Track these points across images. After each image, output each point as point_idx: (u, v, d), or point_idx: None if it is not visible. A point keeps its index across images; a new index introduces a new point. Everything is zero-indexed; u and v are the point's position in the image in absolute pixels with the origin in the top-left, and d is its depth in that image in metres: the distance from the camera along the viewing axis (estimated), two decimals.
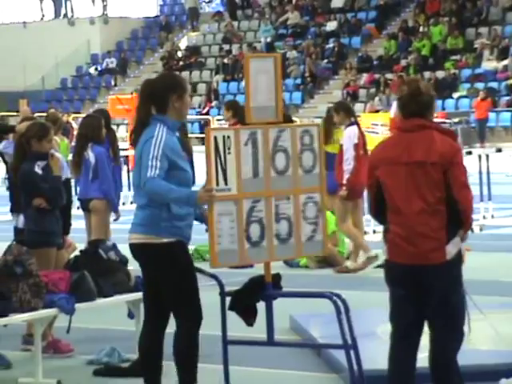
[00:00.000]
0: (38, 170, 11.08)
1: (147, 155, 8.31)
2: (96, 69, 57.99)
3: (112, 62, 57.27)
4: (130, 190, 21.20)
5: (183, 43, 57.97)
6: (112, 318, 8.83)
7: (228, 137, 8.67)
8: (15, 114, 36.53)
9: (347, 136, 15.70)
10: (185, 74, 54.53)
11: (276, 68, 8.93)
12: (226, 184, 8.63)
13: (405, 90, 8.29)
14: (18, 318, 10.03)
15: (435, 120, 26.41)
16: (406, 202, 8.05)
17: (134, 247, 8.62)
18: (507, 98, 43.62)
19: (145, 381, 8.86)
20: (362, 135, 15.86)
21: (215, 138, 8.60)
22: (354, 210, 15.99)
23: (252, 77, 8.86)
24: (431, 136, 8.09)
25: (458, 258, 8.06)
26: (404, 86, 8.39)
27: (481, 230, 18.73)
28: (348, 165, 15.46)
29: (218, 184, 8.57)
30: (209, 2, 61.39)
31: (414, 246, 8.01)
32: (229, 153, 8.63)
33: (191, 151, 15.07)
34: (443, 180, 7.98)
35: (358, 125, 16.11)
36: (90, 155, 13.13)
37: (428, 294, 8.04)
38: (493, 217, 20.42)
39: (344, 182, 15.53)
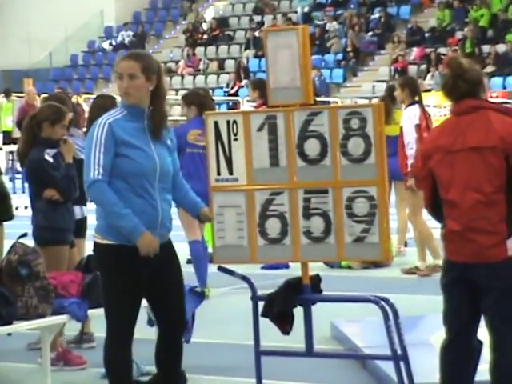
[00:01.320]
0: (48, 157, 11.08)
1: None
2: (110, 43, 58.21)
3: (128, 36, 57.42)
4: None
5: (209, 14, 58.14)
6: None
7: (234, 121, 8.69)
8: (20, 94, 36.53)
9: (407, 117, 15.58)
10: (211, 48, 54.83)
11: (301, 42, 8.70)
12: (232, 174, 8.70)
13: (449, 71, 8.29)
14: (23, 326, 10.00)
15: (492, 99, 26.26)
16: (461, 194, 8.05)
17: None
18: None
19: None
20: (425, 116, 15.75)
21: (215, 123, 8.71)
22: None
23: (272, 54, 8.80)
24: (488, 117, 8.08)
25: None
26: (446, 68, 8.38)
27: None
28: (410, 149, 15.35)
29: (219, 174, 8.70)
30: None
31: (471, 242, 8.01)
32: (235, 139, 8.66)
33: None
34: (505, 166, 7.96)
35: (421, 104, 16.01)
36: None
37: (487, 295, 8.03)
38: None
39: (408, 169, 15.51)
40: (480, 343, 8.28)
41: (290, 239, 8.68)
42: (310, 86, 8.67)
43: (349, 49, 51.10)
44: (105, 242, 8.35)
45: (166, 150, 8.48)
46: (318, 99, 23.04)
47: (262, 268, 10.40)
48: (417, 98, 15.91)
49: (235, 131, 8.65)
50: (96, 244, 8.39)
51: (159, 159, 8.34)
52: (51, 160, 11.03)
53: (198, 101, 14.57)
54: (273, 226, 8.69)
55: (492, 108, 8.28)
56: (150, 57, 8.72)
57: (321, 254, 8.85)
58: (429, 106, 29.69)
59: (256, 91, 16.51)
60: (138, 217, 8.23)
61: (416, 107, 15.76)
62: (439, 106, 27.10)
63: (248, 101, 39.60)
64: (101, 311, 10.09)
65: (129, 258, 8.24)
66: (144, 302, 8.67)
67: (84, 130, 13.46)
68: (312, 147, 8.54)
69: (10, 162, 29.76)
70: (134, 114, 8.35)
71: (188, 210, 8.88)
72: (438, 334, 8.44)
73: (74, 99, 22.30)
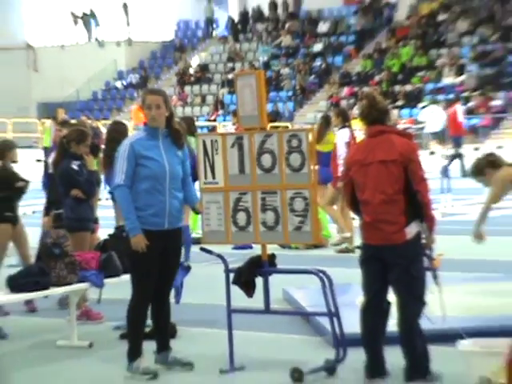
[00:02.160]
0: (74, 166, 11.10)
1: None
2: (122, 83, 57.98)
3: (135, 78, 57.26)
4: None
5: (194, 62, 57.88)
6: None
7: (216, 140, 8.99)
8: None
9: (340, 137, 15.77)
10: (196, 87, 54.72)
11: (259, 83, 8.83)
12: (214, 178, 8.95)
13: (364, 103, 8.42)
14: (56, 291, 10.05)
15: (405, 126, 26.17)
16: (372, 195, 8.15)
17: None
18: (463, 107, 43.64)
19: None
20: (353, 136, 15.84)
21: (203, 141, 9.04)
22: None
23: (239, 91, 8.99)
24: (390, 139, 8.22)
25: (418, 239, 8.15)
26: (363, 100, 8.49)
27: (443, 216, 18.78)
28: (341, 160, 15.45)
29: (206, 178, 8.97)
30: (216, 27, 61.25)
31: (380, 230, 8.10)
32: (216, 153, 8.90)
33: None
34: (403, 174, 8.07)
35: (350, 128, 16.09)
36: None
37: (393, 269, 8.12)
38: (453, 206, 20.45)
39: (339, 174, 15.41)
40: (389, 304, 8.34)
41: (252, 227, 8.86)
42: (265, 115, 8.85)
43: (297, 87, 51.04)
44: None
45: (176, 159, 8.65)
46: (277, 124, 23.05)
47: (233, 248, 10.40)
48: (347, 124, 16.05)
49: (216, 147, 8.94)
50: None
51: (169, 166, 8.55)
52: (76, 168, 11.03)
53: (187, 126, 14.59)
54: (241, 218, 8.88)
55: (393, 132, 8.45)
56: (165, 92, 9.10)
57: (273, 239, 9.05)
58: (355, 129, 29.59)
59: (235, 118, 16.74)
60: (152, 207, 8.47)
61: (346, 130, 15.87)
62: (362, 130, 26.92)
63: (225, 126, 39.61)
64: (113, 280, 10.17)
65: (148, 240, 8.45)
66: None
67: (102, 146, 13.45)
68: (266, 160, 8.77)
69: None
70: (153, 134, 8.61)
71: (187, 203, 8.93)
72: (360, 298, 8.47)
73: (94, 124, 22.13)
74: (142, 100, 8.82)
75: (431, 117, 30.40)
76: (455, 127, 30.98)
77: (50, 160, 12.68)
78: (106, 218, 12.61)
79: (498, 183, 9.81)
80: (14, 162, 11.68)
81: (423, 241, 8.24)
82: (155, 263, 8.60)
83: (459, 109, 31.94)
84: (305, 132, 8.81)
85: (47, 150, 13.45)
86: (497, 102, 44.41)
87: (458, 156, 26.64)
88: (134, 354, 8.69)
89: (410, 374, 8.14)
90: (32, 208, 17.20)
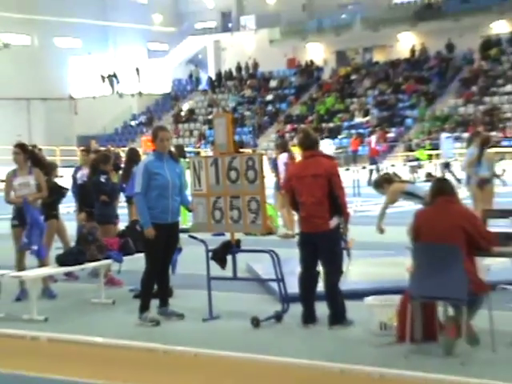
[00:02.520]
0: (102, 179, 11.09)
1: None
2: (135, 122, 57.69)
3: (144, 119, 57.02)
4: None
5: (185, 107, 57.75)
6: (144, 265, 8.84)
7: (201, 161, 9.09)
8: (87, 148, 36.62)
9: (280, 159, 15.73)
10: (186, 125, 54.57)
11: (228, 122, 8.90)
12: (200, 186, 9.02)
13: (301, 136, 8.46)
14: (90, 265, 10.02)
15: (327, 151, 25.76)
16: (306, 198, 8.17)
17: None
18: (368, 138, 43.91)
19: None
20: (291, 158, 15.69)
21: (193, 162, 9.18)
22: None
23: (216, 127, 9.03)
24: (319, 160, 8.25)
25: (338, 228, 8.19)
26: (300, 133, 8.55)
27: (355, 212, 18.83)
28: (282, 175, 15.47)
29: (195, 186, 9.06)
30: (199, 85, 61.24)
31: (312, 222, 8.13)
32: (201, 170, 8.98)
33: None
34: (327, 184, 8.11)
35: (289, 152, 15.95)
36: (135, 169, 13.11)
37: (321, 248, 8.15)
38: (361, 205, 20.53)
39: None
40: (318, 273, 8.34)
41: (224, 221, 8.79)
42: (231, 144, 8.92)
43: (255, 125, 51.02)
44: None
45: (175, 173, 8.70)
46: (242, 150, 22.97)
47: (212, 235, 10.36)
48: (286, 150, 15.95)
49: (201, 166, 8.99)
50: None
51: (171, 179, 8.61)
52: (104, 181, 11.02)
53: (179, 152, 14.56)
54: (217, 214, 8.84)
55: (321, 155, 8.47)
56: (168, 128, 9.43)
57: (238, 229, 9.00)
58: (295, 153, 29.60)
59: (213, 146, 16.61)
60: (160, 207, 8.54)
61: (285, 154, 15.61)
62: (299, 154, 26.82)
63: (205, 151, 39.43)
64: (129, 257, 10.12)
65: (157, 230, 8.44)
66: None
67: (122, 165, 13.41)
68: (233, 174, 8.73)
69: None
70: (160, 157, 8.68)
71: (183, 204, 8.94)
72: (298, 269, 8.48)
73: (116, 150, 22.03)
74: (155, 134, 8.82)
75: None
76: (371, 151, 31.20)
77: (78, 175, 12.80)
78: (124, 214, 12.54)
79: (390, 194, 9.96)
80: (57, 176, 11.70)
81: (341, 229, 8.29)
82: (161, 246, 8.63)
83: (373, 139, 32.16)
84: (257, 156, 8.86)
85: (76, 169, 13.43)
86: (391, 135, 44.69)
87: (376, 170, 26.83)
88: (144, 308, 8.69)
89: (333, 320, 8.17)
90: (67, 209, 17.10)
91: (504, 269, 9.72)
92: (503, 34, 48.39)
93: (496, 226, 7.40)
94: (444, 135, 29.95)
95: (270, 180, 17.77)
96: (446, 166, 26.93)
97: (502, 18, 48.33)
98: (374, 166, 27.47)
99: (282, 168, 15.55)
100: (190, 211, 9.40)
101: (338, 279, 8.21)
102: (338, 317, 8.15)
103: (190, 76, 61.02)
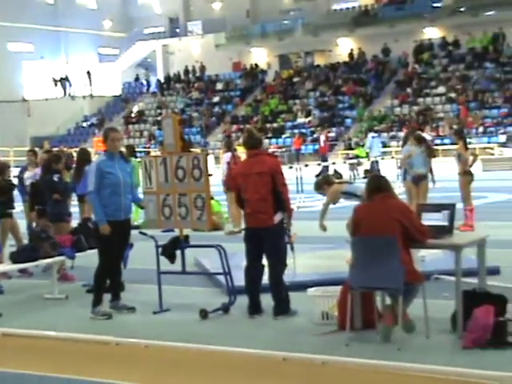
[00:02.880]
0: (55, 178, 10.95)
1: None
2: (86, 124, 57.04)
3: (96, 120, 56.45)
4: None
5: (135, 109, 57.38)
6: (97, 260, 8.76)
7: (151, 161, 8.96)
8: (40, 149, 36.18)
9: (224, 158, 15.74)
10: (136, 126, 54.19)
11: (175, 123, 8.82)
12: (151, 184, 8.87)
13: (245, 135, 8.48)
14: (43, 262, 9.93)
15: (273, 150, 26.02)
16: (251, 195, 8.17)
17: None
18: (311, 137, 44.10)
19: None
20: (234, 157, 15.74)
21: (144, 161, 9.05)
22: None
23: (165, 128, 8.93)
24: (263, 158, 8.26)
25: (281, 223, 8.21)
26: (245, 133, 8.56)
27: (298, 208, 18.90)
28: (224, 173, 15.45)
29: (146, 184, 8.91)
30: (148, 87, 60.83)
31: (257, 218, 8.13)
32: (151, 169, 8.80)
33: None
34: (271, 181, 8.12)
35: (232, 152, 16.00)
36: (87, 169, 12.98)
37: (265, 242, 8.16)
38: (304, 201, 20.62)
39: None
40: (263, 266, 8.35)
41: (173, 217, 8.74)
42: (179, 143, 8.80)
43: (203, 126, 50.90)
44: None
45: (126, 173, 8.64)
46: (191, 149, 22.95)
47: (162, 231, 10.33)
48: (231, 149, 15.97)
49: (152, 165, 8.81)
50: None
51: (122, 178, 8.53)
52: (56, 180, 10.90)
53: (129, 151, 14.45)
54: (167, 211, 8.77)
55: (265, 154, 8.49)
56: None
57: (185, 225, 8.95)
58: (240, 152, 29.56)
59: (161, 146, 16.42)
60: (113, 205, 8.45)
61: (229, 153, 15.68)
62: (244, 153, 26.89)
63: (155, 151, 39.16)
64: (81, 254, 10.01)
65: (110, 227, 8.42)
66: None
67: (73, 165, 13.27)
68: (180, 173, 8.64)
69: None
70: (112, 157, 8.55)
71: (135, 201, 8.95)
72: (244, 262, 8.48)
73: (68, 151, 21.77)
74: (106, 135, 8.76)
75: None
76: (321, 149, 31.38)
77: (25, 175, 12.78)
78: (76, 212, 12.41)
79: (330, 195, 10.04)
80: (9, 176, 11.59)
81: (285, 224, 8.31)
82: (114, 242, 8.55)
83: (322, 138, 32.33)
84: (202, 155, 8.85)
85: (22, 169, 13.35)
86: (332, 134, 44.94)
87: (325, 167, 26.93)
88: (97, 302, 8.62)
89: (277, 311, 8.19)
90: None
91: (437, 260, 9.87)
92: (435, 39, 49.09)
93: (430, 219, 7.46)
94: (371, 135, 30.09)
95: (217, 177, 17.76)
96: (373, 164, 27.18)
97: (434, 24, 49.07)
98: (326, 163, 27.63)
99: (224, 166, 15.55)
100: (142, 208, 9.34)
101: (282, 272, 8.22)
102: (282, 307, 8.17)
103: (136, 79, 60.60)
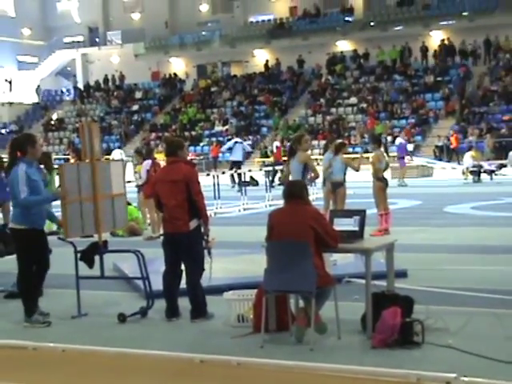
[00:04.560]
0: None
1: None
2: (5, 131, 55.82)
3: (14, 127, 55.28)
4: None
5: (54, 117, 56.44)
6: (14, 265, 8.54)
7: (69, 168, 8.87)
8: None
9: (144, 166, 15.45)
10: (56, 133, 53.30)
11: (90, 130, 8.62)
12: (70, 191, 8.52)
13: (165, 143, 8.51)
14: None
15: (192, 157, 25.90)
16: (168, 201, 8.16)
17: None
18: (226, 145, 44.17)
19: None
20: (154, 165, 15.44)
21: (62, 168, 8.79)
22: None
23: (84, 135, 8.68)
24: (180, 165, 8.25)
25: (198, 229, 8.21)
26: (165, 142, 8.61)
27: (215, 214, 18.91)
28: (144, 180, 15.26)
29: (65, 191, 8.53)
30: (68, 94, 59.91)
31: (173, 223, 8.12)
32: (70, 176, 8.57)
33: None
34: (186, 189, 8.12)
35: (152, 159, 15.74)
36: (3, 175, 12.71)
37: (182, 247, 8.15)
38: (221, 207, 20.63)
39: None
40: (181, 271, 8.34)
41: (91, 223, 8.61)
42: (95, 151, 8.61)
43: (122, 133, 50.44)
44: (18, 227, 8.23)
45: (43, 181, 8.51)
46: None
47: (80, 237, 10.15)
48: (150, 157, 15.71)
49: (70, 172, 8.61)
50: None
51: (43, 185, 8.41)
52: None
53: (45, 159, 14.18)
54: (85, 217, 8.60)
55: (182, 161, 8.45)
56: None
57: (104, 230, 8.85)
58: (159, 160, 29.39)
59: (74, 153, 16.02)
60: (37, 213, 8.25)
61: (149, 161, 15.34)
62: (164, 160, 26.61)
63: (72, 158, 38.48)
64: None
65: (33, 235, 8.21)
66: None
67: None
68: (98, 180, 8.47)
69: None
70: (31, 164, 8.24)
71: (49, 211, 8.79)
72: (162, 267, 8.44)
73: None
74: (27, 142, 8.43)
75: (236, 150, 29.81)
76: (275, 155, 31.26)
77: None
78: None
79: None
80: None
81: (202, 230, 8.31)
82: (36, 250, 8.32)
83: (275, 143, 32.14)
84: (117, 162, 8.81)
85: None
86: (248, 142, 45.10)
87: (275, 171, 26.86)
88: (31, 310, 8.35)
89: (194, 314, 8.18)
90: None
91: (348, 263, 10.03)
92: (346, 51, 49.87)
93: (341, 224, 7.58)
94: (234, 140, 29.92)
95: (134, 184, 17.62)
96: (231, 169, 27.30)
97: (346, 37, 49.88)
98: (279, 167, 27.66)
99: (144, 175, 15.38)
100: (55, 223, 9.20)
101: (199, 276, 8.22)
102: (199, 311, 8.16)
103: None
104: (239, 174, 27.00)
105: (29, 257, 8.30)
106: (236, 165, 26.89)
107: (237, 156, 27.82)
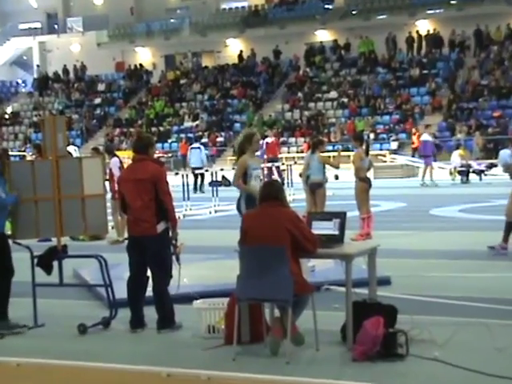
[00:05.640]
0: None
1: None
2: None
3: None
4: None
5: (9, 110, 56.10)
6: None
7: (27, 166, 8.69)
8: None
9: (113, 163, 15.04)
10: (11, 128, 52.99)
11: (52, 125, 8.47)
12: (27, 191, 8.55)
13: (134, 139, 8.48)
14: None
15: (159, 155, 25.87)
16: (134, 201, 8.16)
17: None
18: (197, 142, 44.17)
19: None
20: (121, 163, 15.17)
21: (19, 166, 8.96)
22: None
23: (46, 131, 8.58)
24: (147, 164, 8.25)
25: (166, 232, 8.20)
26: (136, 136, 8.59)
27: (184, 217, 18.90)
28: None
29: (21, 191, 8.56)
30: (24, 86, 59.64)
31: (139, 226, 8.12)
32: (27, 174, 8.52)
33: None
34: (153, 189, 8.13)
35: (118, 157, 15.51)
36: None
37: (148, 252, 8.14)
38: (191, 209, 20.63)
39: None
40: (148, 278, 8.34)
41: (51, 225, 8.58)
42: (56, 148, 8.50)
43: (83, 129, 50.29)
44: None
45: None
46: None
47: (38, 241, 10.10)
48: (115, 155, 15.52)
49: (28, 170, 8.55)
50: None
51: None
52: None
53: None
54: (44, 219, 8.56)
55: (150, 160, 8.46)
56: None
57: (65, 233, 8.81)
58: (124, 157, 29.35)
59: (35, 149, 15.76)
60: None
61: (116, 159, 14.95)
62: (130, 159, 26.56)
63: (31, 155, 38.37)
64: None
65: None
66: None
67: None
68: (60, 179, 8.43)
69: None
70: None
71: None
72: (127, 274, 8.42)
73: None
74: None
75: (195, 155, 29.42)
76: (272, 150, 30.92)
77: None
78: None
79: None
80: None
81: (170, 234, 8.30)
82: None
83: (271, 139, 31.74)
84: (79, 160, 8.75)
85: None
86: (220, 139, 45.20)
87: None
88: None
89: (161, 324, 8.17)
90: None
91: (327, 270, 10.06)
92: (326, 41, 50.02)
93: (320, 228, 7.60)
94: (191, 146, 29.93)
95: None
96: (195, 174, 27.41)
97: (325, 27, 50.00)
98: (276, 164, 27.62)
99: (116, 172, 15.17)
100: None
101: (166, 283, 8.21)
102: (166, 321, 8.15)
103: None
104: (202, 177, 27.19)
105: None
106: (196, 170, 27.17)
107: (195, 162, 28.00)
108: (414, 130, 36.04)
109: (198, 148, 29.00)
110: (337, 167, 14.47)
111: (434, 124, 40.70)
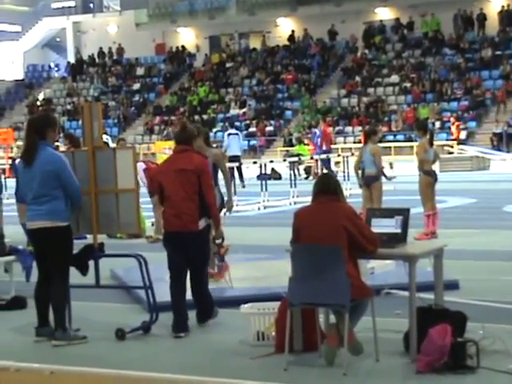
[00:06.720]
0: None
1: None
2: None
3: None
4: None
5: (41, 96, 56.78)
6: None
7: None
8: None
9: (139, 167, 15.11)
10: None
11: (88, 113, 8.45)
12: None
13: (178, 129, 8.55)
14: None
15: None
16: (175, 193, 8.22)
17: None
18: (246, 131, 44.26)
19: None
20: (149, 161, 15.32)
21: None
22: None
23: (85, 120, 8.64)
24: (191, 155, 8.31)
25: (207, 229, 8.27)
26: (178, 126, 8.65)
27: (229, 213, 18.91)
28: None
29: None
30: (57, 70, 60.35)
31: (180, 219, 8.18)
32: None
33: None
34: (197, 182, 8.19)
35: (145, 162, 15.58)
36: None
37: (189, 249, 8.20)
38: (237, 205, 20.63)
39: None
40: (186, 276, 8.45)
41: (87, 222, 8.65)
42: (88, 137, 8.50)
43: (121, 116, 50.70)
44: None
45: None
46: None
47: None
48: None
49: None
50: None
51: None
52: None
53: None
54: (80, 214, 8.60)
55: (193, 151, 8.48)
56: None
57: (103, 231, 8.86)
58: (166, 148, 29.52)
59: (67, 140, 15.82)
60: None
61: (141, 163, 15.30)
62: (171, 149, 26.86)
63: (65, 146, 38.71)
64: None
65: None
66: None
67: None
68: (100, 171, 8.53)
69: None
70: None
71: None
72: (168, 274, 8.49)
73: None
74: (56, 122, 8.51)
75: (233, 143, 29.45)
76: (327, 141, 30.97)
77: None
78: None
79: None
80: None
81: (213, 232, 8.37)
82: None
83: (323, 130, 31.69)
84: (128, 150, 8.79)
85: None
86: (269, 128, 45.21)
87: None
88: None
89: (202, 317, 8.47)
90: None
91: (388, 272, 10.00)
92: (387, 20, 49.70)
93: (380, 226, 7.55)
94: (228, 132, 29.89)
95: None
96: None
97: (386, 4, 49.64)
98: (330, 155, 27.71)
99: (143, 175, 15.23)
100: None
101: (207, 285, 8.35)
102: (207, 313, 8.43)
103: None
104: (239, 169, 27.05)
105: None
106: (234, 160, 26.91)
107: (233, 150, 27.81)
108: None
109: (237, 134, 28.94)
110: (381, 171, 14.20)
111: (508, 111, 40.23)
